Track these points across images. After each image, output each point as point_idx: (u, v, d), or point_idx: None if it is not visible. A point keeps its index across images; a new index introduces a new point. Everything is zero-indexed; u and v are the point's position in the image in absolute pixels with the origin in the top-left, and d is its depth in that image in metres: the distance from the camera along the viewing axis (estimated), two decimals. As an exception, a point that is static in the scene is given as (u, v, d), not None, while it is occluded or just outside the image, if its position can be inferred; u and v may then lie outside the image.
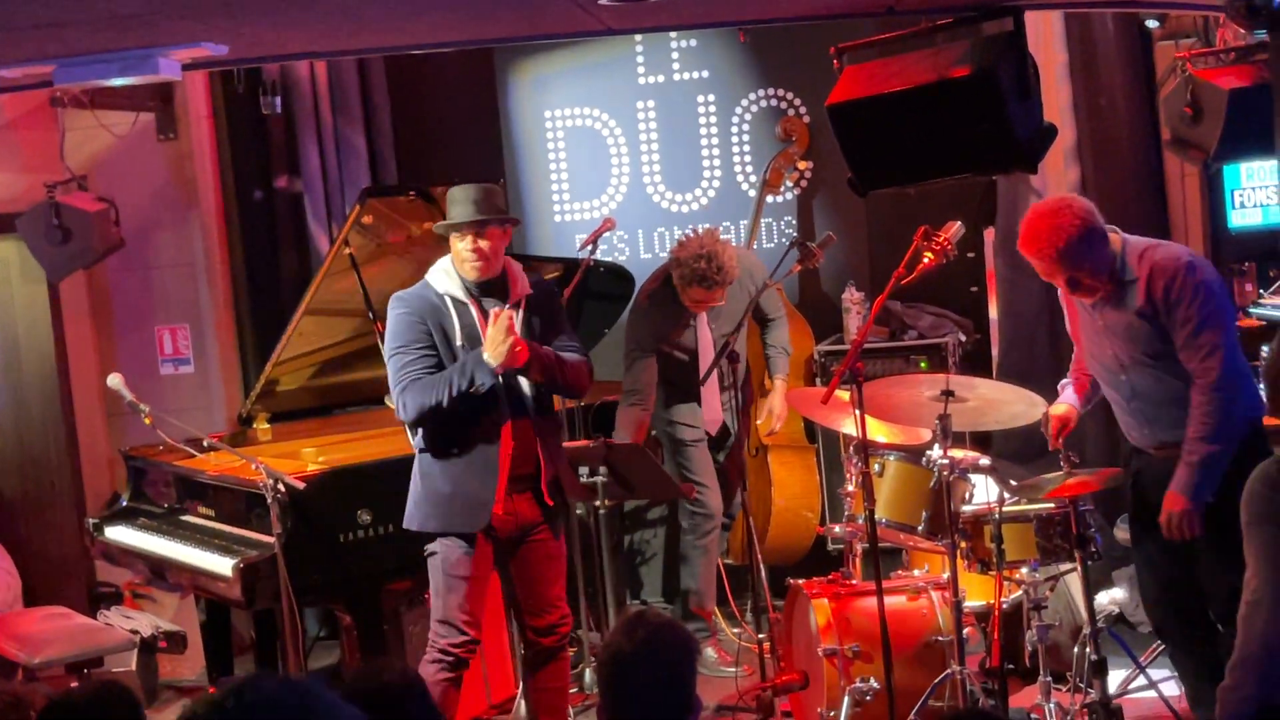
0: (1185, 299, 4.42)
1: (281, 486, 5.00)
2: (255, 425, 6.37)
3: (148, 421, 5.25)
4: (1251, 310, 6.32)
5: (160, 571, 5.89)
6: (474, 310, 4.77)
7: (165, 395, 6.98)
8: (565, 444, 5.31)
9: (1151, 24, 6.18)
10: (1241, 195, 6.48)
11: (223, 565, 5.30)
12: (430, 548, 4.87)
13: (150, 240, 7.21)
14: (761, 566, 5.64)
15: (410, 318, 4.76)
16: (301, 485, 5.06)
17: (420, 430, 4.82)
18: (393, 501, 5.24)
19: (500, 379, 4.72)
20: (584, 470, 5.60)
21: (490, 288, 4.83)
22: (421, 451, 4.84)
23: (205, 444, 5.70)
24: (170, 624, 6.54)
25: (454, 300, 4.78)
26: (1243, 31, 5.22)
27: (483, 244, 4.75)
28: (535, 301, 4.94)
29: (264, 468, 5.00)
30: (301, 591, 5.11)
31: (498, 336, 4.60)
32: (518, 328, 4.78)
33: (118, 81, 3.58)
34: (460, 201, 4.78)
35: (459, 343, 4.74)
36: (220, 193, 7.29)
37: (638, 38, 7.27)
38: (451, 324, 4.75)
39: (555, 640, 5.03)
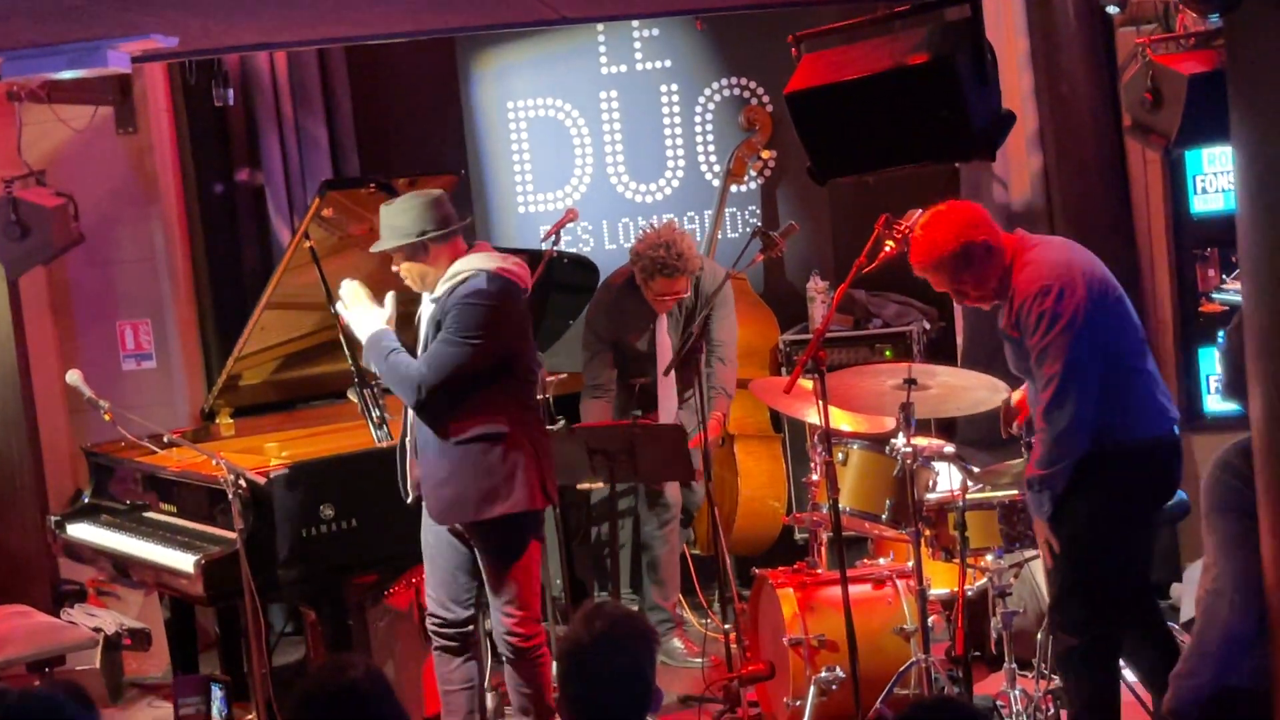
0: (1029, 327, 4.35)
1: (243, 482, 4.97)
2: (218, 420, 6.32)
3: (107, 418, 5.21)
4: (1214, 295, 6.35)
5: (123, 568, 5.85)
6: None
7: (128, 391, 6.92)
8: (596, 423, 5.58)
9: (1112, 10, 6.16)
10: (1204, 181, 6.50)
11: (185, 562, 5.26)
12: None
13: (110, 235, 7.14)
14: (728, 556, 5.64)
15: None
16: (263, 480, 5.03)
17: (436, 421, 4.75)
18: (355, 495, 5.23)
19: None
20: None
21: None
22: (460, 443, 4.71)
23: (166, 440, 5.66)
24: (134, 621, 6.49)
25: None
26: (1201, 16, 5.23)
27: (396, 269, 4.78)
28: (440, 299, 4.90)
29: (225, 463, 4.97)
30: (265, 587, 5.07)
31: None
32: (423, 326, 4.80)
33: (67, 74, 3.54)
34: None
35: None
36: (181, 186, 7.24)
37: (600, 27, 7.25)
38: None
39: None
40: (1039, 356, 4.32)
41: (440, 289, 4.68)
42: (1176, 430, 4.56)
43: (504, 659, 4.92)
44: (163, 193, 7.13)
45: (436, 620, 4.94)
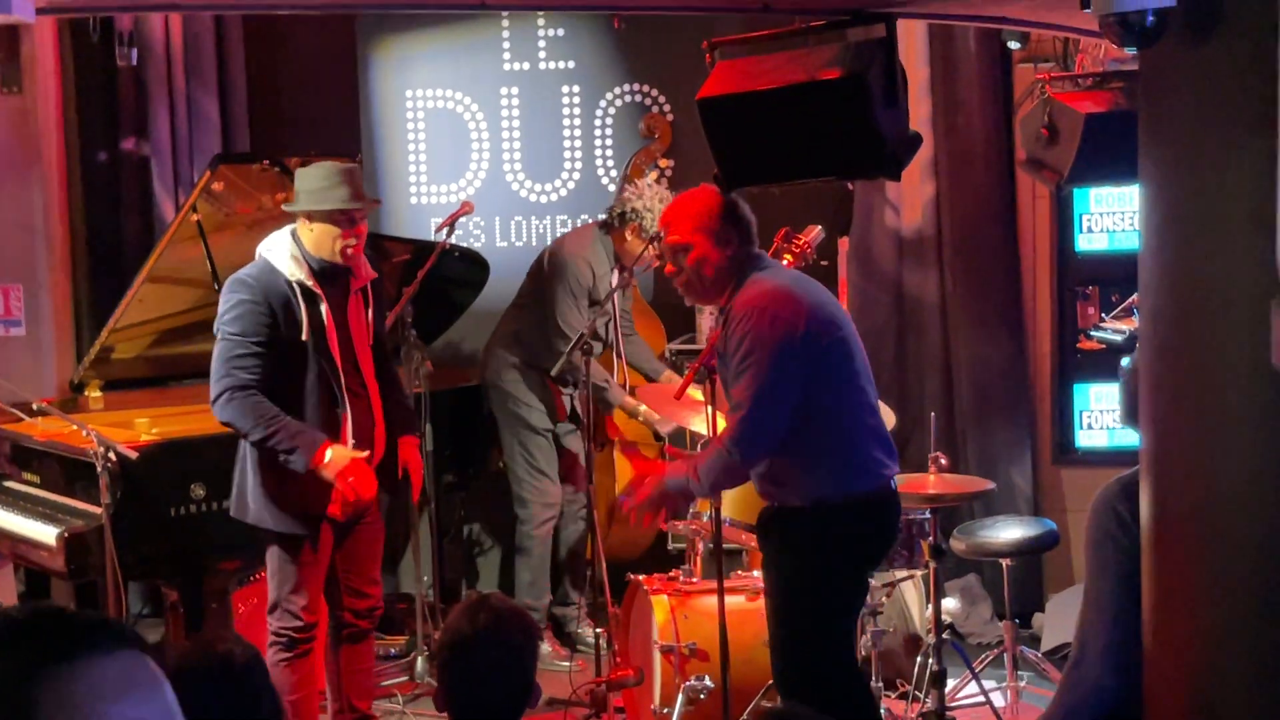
0: (733, 344, 4.16)
1: (113, 455, 4.84)
2: (87, 393, 6.15)
3: (-27, 382, 5.06)
4: (1092, 333, 6.48)
5: (-21, 538, 5.67)
6: (323, 305, 4.65)
7: (-7, 357, 6.71)
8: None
9: (1013, 45, 6.26)
10: (1090, 220, 6.64)
11: (46, 534, 5.12)
12: (265, 535, 4.79)
13: (-14, 195, 6.93)
14: (602, 561, 5.61)
15: (256, 309, 4.58)
16: (134, 454, 4.90)
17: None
18: (227, 477, 5.11)
19: (340, 374, 4.65)
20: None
21: (336, 269, 4.72)
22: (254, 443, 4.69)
23: (35, 408, 5.49)
24: (-14, 593, 6.30)
25: (304, 290, 4.64)
26: (1102, 58, 5.33)
27: (361, 228, 4.68)
28: (375, 286, 4.87)
29: (95, 435, 4.84)
30: (128, 565, 4.94)
31: (353, 480, 4.58)
32: (366, 316, 4.76)
33: (-35, 19, 3.41)
34: (332, 184, 4.66)
35: (304, 337, 4.62)
36: (64, 151, 7.04)
37: (504, 23, 7.19)
38: (300, 317, 4.62)
39: (371, 622, 5.02)
40: (736, 376, 4.14)
41: None
42: (894, 484, 4.38)
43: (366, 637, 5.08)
44: (44, 156, 6.92)
45: (301, 625, 4.85)
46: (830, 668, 4.30)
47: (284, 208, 4.83)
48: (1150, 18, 2.84)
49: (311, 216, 4.68)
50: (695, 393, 4.92)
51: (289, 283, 4.62)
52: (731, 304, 4.24)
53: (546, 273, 6.26)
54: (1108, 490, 3.59)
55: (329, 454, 4.53)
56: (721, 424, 5.00)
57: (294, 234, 4.73)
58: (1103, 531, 3.45)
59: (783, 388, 4.09)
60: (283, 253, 4.67)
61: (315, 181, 4.70)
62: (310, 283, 4.65)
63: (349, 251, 4.66)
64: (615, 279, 6.07)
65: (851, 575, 4.36)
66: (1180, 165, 2.92)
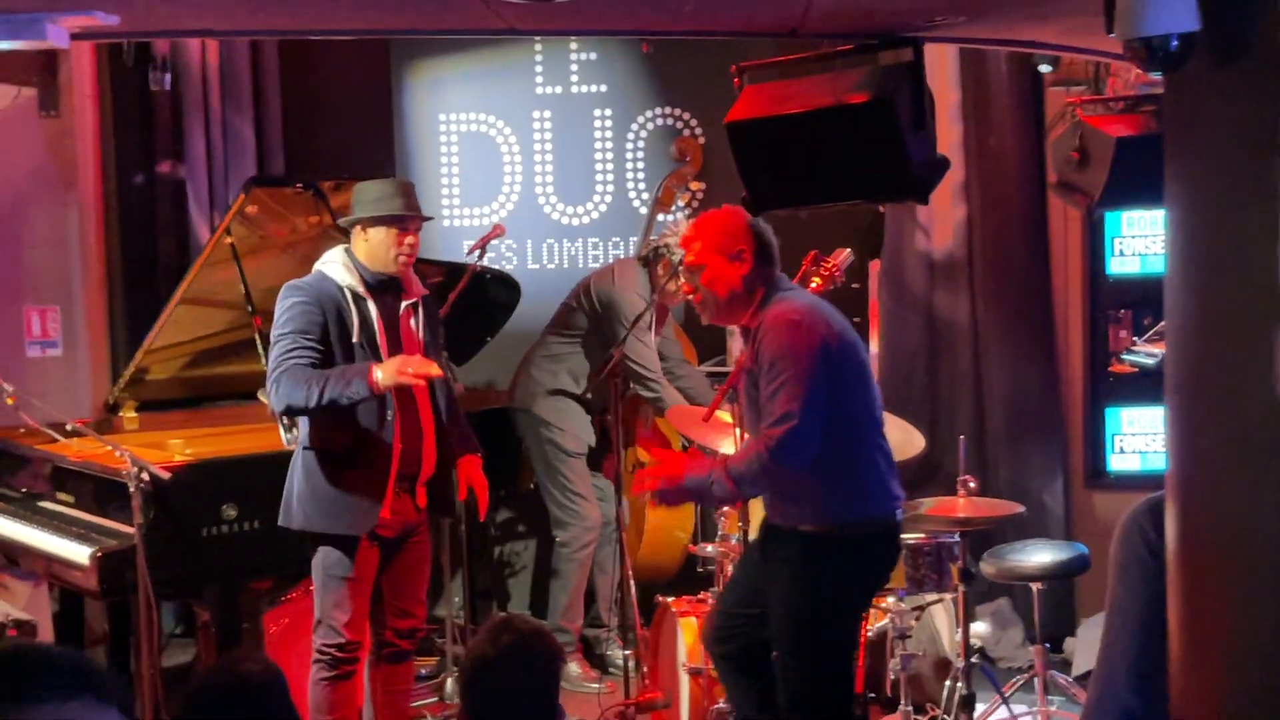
0: (769, 359, 4.14)
1: (145, 475, 4.87)
2: (122, 413, 6.20)
3: (10, 402, 5.10)
4: (1124, 356, 6.44)
5: (14, 557, 5.72)
6: (372, 307, 4.72)
7: (30, 377, 6.76)
8: None
9: (1044, 69, 6.27)
10: (1122, 243, 6.62)
11: (80, 553, 5.15)
12: (313, 549, 4.79)
13: (24, 218, 6.99)
14: (631, 583, 5.62)
15: (308, 307, 4.66)
16: (166, 475, 4.94)
17: (303, 425, 4.74)
18: (259, 497, 5.15)
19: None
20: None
21: (388, 284, 4.79)
22: (306, 449, 4.75)
23: (69, 428, 5.54)
24: (21, 612, 6.33)
25: (354, 294, 4.72)
26: (1133, 81, 5.32)
27: (414, 239, 4.78)
28: (427, 303, 4.93)
29: (129, 455, 4.87)
30: (160, 585, 4.96)
31: (411, 366, 4.52)
32: (417, 329, 4.83)
33: (2, 45, 3.46)
34: (390, 195, 4.79)
35: (355, 339, 4.68)
36: (100, 174, 7.12)
37: (538, 47, 7.24)
38: (351, 318, 4.69)
39: (412, 643, 5.03)
40: (774, 388, 4.12)
41: None
42: (899, 514, 4.36)
43: (407, 658, 5.10)
44: (81, 179, 7.00)
45: (344, 642, 4.86)
46: (845, 695, 4.30)
47: (340, 221, 4.94)
48: (1174, 42, 2.84)
49: (367, 225, 4.77)
50: (724, 414, 4.92)
51: (340, 287, 4.73)
52: (761, 320, 4.23)
53: (599, 310, 6.28)
54: (1135, 511, 3.57)
55: (378, 371, 4.56)
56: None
57: (347, 250, 4.84)
58: (1129, 553, 3.44)
59: (820, 398, 4.10)
60: (336, 264, 4.79)
61: (373, 193, 4.81)
62: (360, 289, 4.74)
63: (402, 260, 4.76)
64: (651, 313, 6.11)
65: (864, 602, 4.37)
66: (1205, 189, 2.91)
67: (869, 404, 4.29)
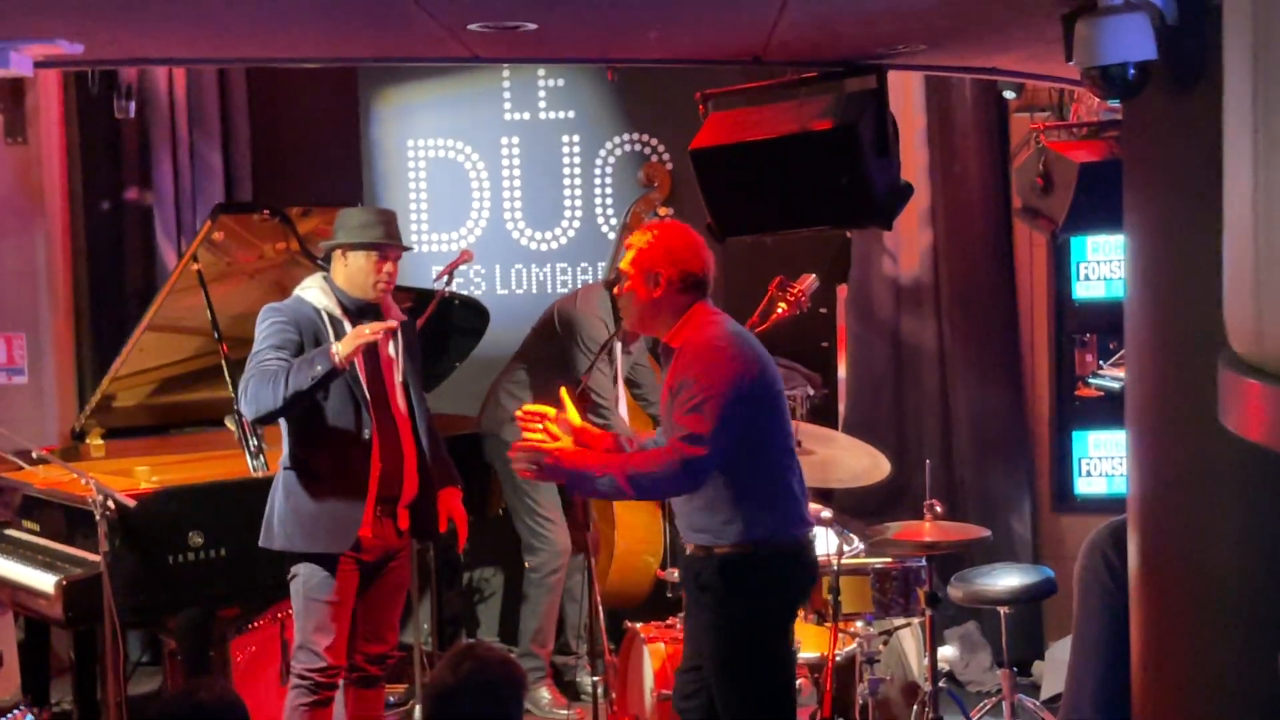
0: (687, 379, 4.10)
1: (111, 503, 4.86)
2: (88, 441, 6.17)
3: (-26, 430, 5.09)
4: (1090, 380, 6.49)
5: (-22, 586, 5.68)
6: (348, 327, 4.73)
7: (-5, 405, 6.75)
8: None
9: (1009, 95, 6.32)
10: (1086, 268, 6.67)
11: (45, 582, 5.12)
12: (293, 569, 4.78)
13: (-10, 245, 6.98)
14: (600, 609, 5.61)
15: (284, 325, 4.70)
16: (132, 503, 4.92)
17: (287, 446, 4.75)
18: (226, 524, 5.14)
19: (367, 395, 4.68)
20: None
21: (365, 310, 4.80)
22: (287, 469, 4.76)
23: (35, 456, 5.51)
24: (-15, 642, 6.31)
25: (331, 317, 4.76)
26: (1096, 107, 5.37)
27: (392, 267, 4.82)
28: (405, 329, 4.94)
29: (94, 483, 4.86)
30: (126, 612, 4.94)
31: (367, 328, 4.55)
32: (396, 355, 4.85)
33: (-35, 73, 3.46)
34: (372, 223, 4.84)
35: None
36: (68, 201, 7.10)
37: (505, 74, 7.26)
38: (326, 338, 4.69)
39: (382, 669, 5.02)
40: (689, 408, 4.04)
41: None
42: (812, 537, 4.37)
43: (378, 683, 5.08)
44: (49, 206, 6.99)
45: (325, 666, 4.82)
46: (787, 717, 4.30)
47: (321, 245, 4.98)
48: (1132, 71, 2.88)
49: (347, 251, 4.80)
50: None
51: (317, 310, 4.77)
52: (685, 342, 4.19)
53: (560, 332, 6.29)
54: (1097, 535, 3.62)
55: (335, 344, 4.57)
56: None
57: (325, 277, 4.88)
58: (1091, 575, 3.48)
59: (733, 426, 4.06)
60: (314, 289, 4.83)
61: (355, 219, 4.87)
62: (338, 312, 4.78)
63: (380, 287, 4.79)
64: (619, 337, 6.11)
65: (785, 620, 4.34)
66: (1163, 215, 2.95)
67: (784, 433, 4.28)
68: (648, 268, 4.22)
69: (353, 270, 4.80)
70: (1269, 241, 1.06)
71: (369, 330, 4.54)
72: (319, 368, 4.53)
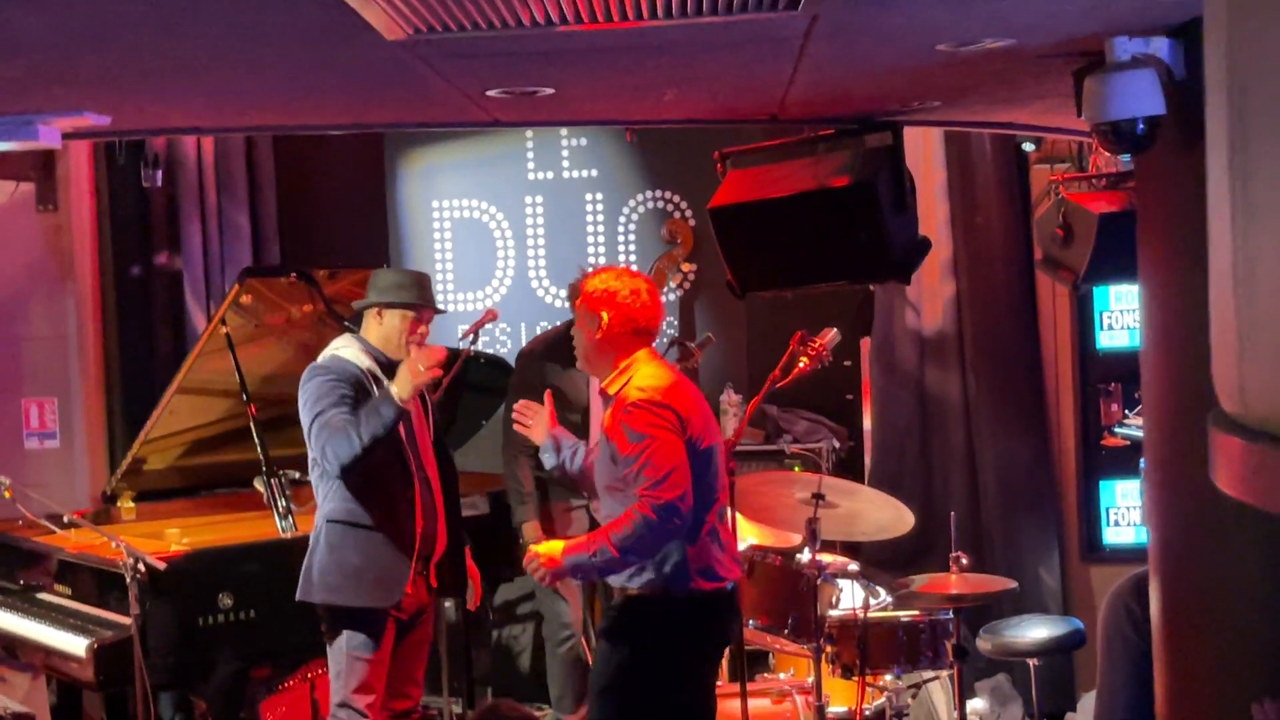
0: (632, 427, 4.18)
1: (142, 566, 4.90)
2: (119, 504, 6.24)
3: (7, 495, 5.15)
4: (1116, 430, 6.49)
5: (12, 650, 5.73)
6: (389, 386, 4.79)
7: (28, 469, 6.81)
8: None
9: (1028, 147, 6.36)
10: (1110, 317, 6.67)
11: (76, 645, 5.16)
12: (333, 626, 4.77)
13: (21, 311, 7.07)
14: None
15: (336, 382, 4.74)
16: (162, 565, 4.96)
17: (331, 499, 4.76)
18: (256, 586, 5.18)
19: (411, 449, 4.73)
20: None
21: (393, 369, 4.85)
22: (332, 522, 4.76)
23: (66, 520, 5.57)
24: (19, 705, 6.31)
25: (374, 375, 4.82)
26: (1114, 159, 5.40)
27: (425, 329, 4.90)
28: (430, 391, 5.01)
29: (125, 546, 4.91)
30: (157, 675, 4.98)
31: (421, 363, 4.60)
32: (426, 411, 4.96)
33: (-4, 146, 3.53)
34: (408, 284, 4.92)
35: None
36: (98, 266, 7.19)
37: (529, 134, 7.34)
38: (373, 394, 4.75)
39: None
40: (642, 466, 4.12)
41: None
42: (730, 587, 4.39)
43: None
44: (79, 271, 7.08)
45: None
46: None
47: (354, 305, 5.02)
48: (1141, 125, 2.91)
49: (383, 310, 4.87)
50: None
51: (359, 369, 4.81)
52: (624, 394, 4.24)
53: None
54: (1119, 587, 3.63)
55: (393, 386, 4.63)
56: (744, 526, 5.05)
57: (356, 336, 4.93)
58: (1114, 627, 3.49)
59: (684, 460, 4.14)
60: (351, 348, 4.87)
61: (392, 280, 4.94)
62: (378, 370, 4.83)
63: (412, 349, 4.82)
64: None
65: (673, 673, 4.34)
66: (1175, 266, 2.97)
67: (708, 486, 4.30)
68: (592, 309, 4.33)
69: (387, 329, 4.86)
70: (1249, 303, 1.09)
71: (423, 366, 4.59)
72: (386, 413, 4.59)
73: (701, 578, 4.28)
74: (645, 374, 4.26)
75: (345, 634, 4.75)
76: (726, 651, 5.31)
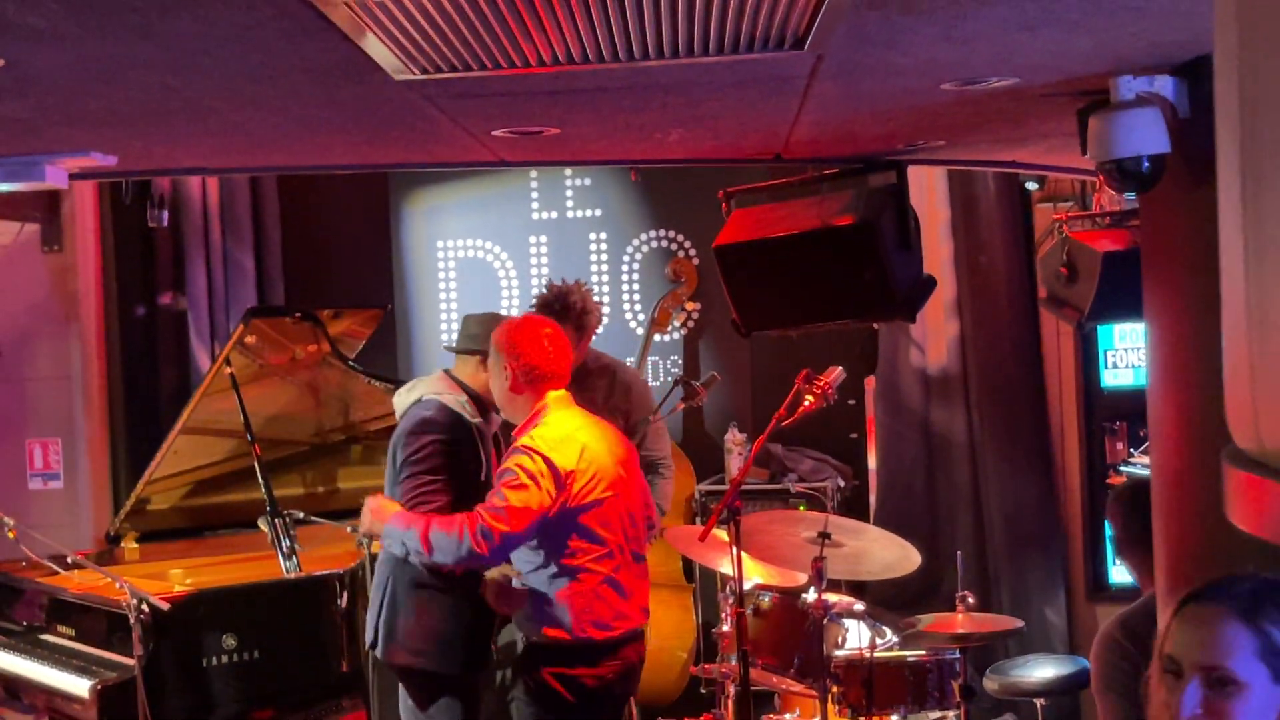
0: (506, 464, 4.39)
1: (145, 607, 4.88)
2: (123, 544, 6.22)
3: (11, 535, 5.15)
4: (1121, 468, 6.47)
5: (15, 691, 5.69)
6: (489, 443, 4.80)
7: (32, 510, 6.81)
8: None
9: (1031, 186, 6.38)
10: (1114, 356, 6.67)
11: (80, 686, 5.14)
12: (413, 688, 4.73)
13: (27, 351, 7.08)
14: (634, 706, 5.59)
15: (446, 447, 4.66)
16: (166, 606, 4.94)
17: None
18: (259, 626, 5.15)
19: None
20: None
21: (486, 408, 4.82)
22: (419, 587, 4.67)
23: (70, 561, 5.56)
24: (21, 748, 6.31)
25: (479, 430, 4.77)
26: (1119, 197, 5.41)
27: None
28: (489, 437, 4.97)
29: (128, 587, 4.89)
30: (160, 717, 4.96)
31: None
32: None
33: (2, 187, 3.54)
34: None
35: (483, 476, 4.70)
36: (102, 306, 7.21)
37: (533, 174, 7.37)
38: (482, 457, 4.73)
39: None
40: (508, 487, 4.30)
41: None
42: (627, 634, 4.57)
43: None
44: (83, 312, 7.10)
45: None
46: None
47: (451, 348, 4.97)
48: (1146, 164, 2.92)
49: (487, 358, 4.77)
50: (720, 533, 4.93)
51: (471, 425, 4.74)
52: (529, 422, 4.48)
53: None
54: (1106, 630, 3.63)
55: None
56: (749, 566, 5.02)
57: (453, 378, 4.83)
58: (1110, 666, 3.48)
59: (538, 520, 4.31)
60: (454, 398, 4.76)
61: (491, 325, 4.84)
62: (482, 424, 4.78)
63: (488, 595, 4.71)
64: None
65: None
66: (1181, 304, 2.97)
67: (599, 538, 4.47)
68: (496, 357, 4.53)
69: (492, 376, 4.69)
70: (1263, 339, 1.09)
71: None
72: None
73: (593, 627, 4.46)
74: (548, 423, 4.46)
75: (428, 699, 4.71)
76: (732, 691, 5.31)
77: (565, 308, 5.36)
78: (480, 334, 4.79)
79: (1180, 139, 2.90)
